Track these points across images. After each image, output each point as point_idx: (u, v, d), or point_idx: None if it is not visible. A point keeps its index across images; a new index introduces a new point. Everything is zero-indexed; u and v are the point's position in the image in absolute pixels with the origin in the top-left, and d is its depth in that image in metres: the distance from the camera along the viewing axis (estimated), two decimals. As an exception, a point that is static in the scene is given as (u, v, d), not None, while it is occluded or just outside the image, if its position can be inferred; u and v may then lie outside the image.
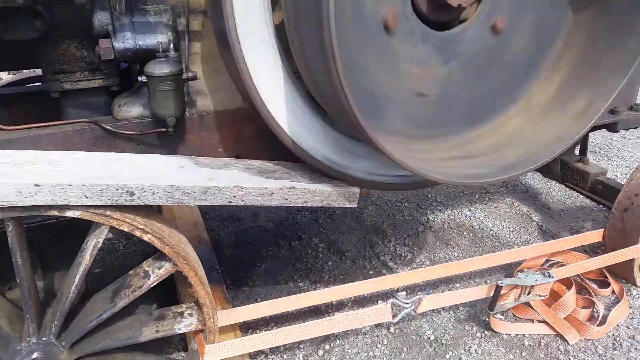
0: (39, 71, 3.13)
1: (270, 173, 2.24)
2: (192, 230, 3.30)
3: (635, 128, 3.50)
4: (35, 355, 1.95)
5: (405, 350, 2.70)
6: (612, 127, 3.29)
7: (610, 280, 3.08)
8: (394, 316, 2.53)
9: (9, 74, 4.25)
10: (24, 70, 3.68)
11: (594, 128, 2.63)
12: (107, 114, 2.31)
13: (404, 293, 2.54)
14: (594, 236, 3.14)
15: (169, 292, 2.72)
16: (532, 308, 2.86)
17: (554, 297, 2.88)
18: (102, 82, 2.32)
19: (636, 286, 3.10)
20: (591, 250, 3.40)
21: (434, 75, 2.25)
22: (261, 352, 2.63)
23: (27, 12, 2.05)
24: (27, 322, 1.93)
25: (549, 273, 2.63)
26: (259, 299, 3.05)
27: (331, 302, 2.93)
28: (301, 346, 2.69)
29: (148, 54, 2.15)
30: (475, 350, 2.68)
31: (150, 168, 2.03)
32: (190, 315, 2.20)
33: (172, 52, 2.13)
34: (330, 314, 2.92)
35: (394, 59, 2.13)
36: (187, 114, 2.29)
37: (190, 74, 2.17)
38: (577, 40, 2.42)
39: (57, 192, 1.68)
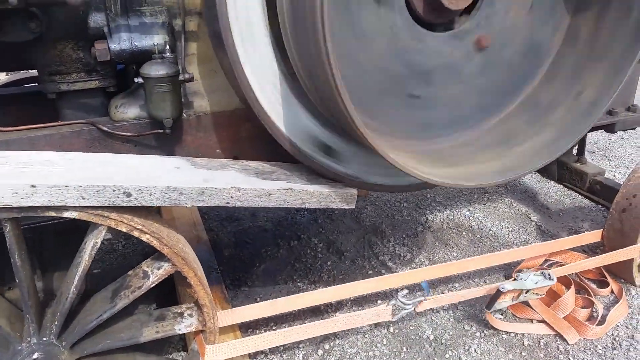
0: (33, 72, 3.14)
1: (267, 174, 2.23)
2: (191, 230, 3.30)
3: (633, 129, 3.50)
4: (36, 355, 1.95)
5: (404, 349, 2.70)
6: (610, 128, 3.29)
7: (609, 280, 3.08)
8: (393, 316, 2.53)
9: (7, 74, 4.24)
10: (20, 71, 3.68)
11: (593, 129, 2.63)
12: (104, 115, 2.31)
13: (404, 292, 2.54)
14: (593, 236, 3.14)
15: (169, 293, 2.72)
16: (532, 308, 2.86)
17: (553, 297, 2.88)
18: (98, 83, 2.31)
19: (635, 286, 3.09)
20: (590, 250, 3.40)
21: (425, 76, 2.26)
22: (261, 351, 2.63)
23: (21, 14, 2.04)
24: (27, 322, 1.93)
25: (549, 275, 2.62)
26: (258, 299, 3.05)
27: (330, 301, 2.93)
28: (301, 346, 2.69)
29: (144, 55, 2.14)
30: (475, 350, 2.67)
31: (147, 169, 2.03)
32: (190, 315, 2.20)
33: (168, 54, 2.12)
34: (329, 313, 2.92)
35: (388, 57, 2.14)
36: (184, 115, 2.29)
37: (186, 76, 2.17)
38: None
39: (54, 193, 1.67)
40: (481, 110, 2.45)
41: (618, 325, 2.82)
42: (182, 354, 2.62)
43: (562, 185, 4.31)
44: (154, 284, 2.02)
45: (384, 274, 3.25)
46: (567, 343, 2.71)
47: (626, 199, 2.97)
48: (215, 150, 2.40)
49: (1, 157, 1.87)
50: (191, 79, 2.18)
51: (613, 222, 3.03)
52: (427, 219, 3.93)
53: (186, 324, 2.18)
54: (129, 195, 1.78)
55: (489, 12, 2.24)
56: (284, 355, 2.65)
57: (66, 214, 1.76)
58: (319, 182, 2.24)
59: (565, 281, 2.94)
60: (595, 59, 2.35)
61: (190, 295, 2.55)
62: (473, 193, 4.32)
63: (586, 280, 3.09)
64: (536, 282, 2.60)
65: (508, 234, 3.73)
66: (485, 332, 2.78)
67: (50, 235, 2.33)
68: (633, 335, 2.75)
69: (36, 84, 3.02)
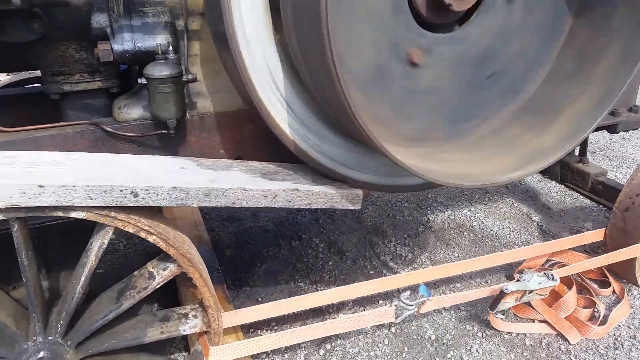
0: (35, 72, 3.14)
1: (273, 175, 2.24)
2: (193, 230, 3.30)
3: (635, 129, 3.50)
4: (41, 354, 1.96)
5: (406, 349, 2.70)
6: (612, 129, 3.29)
7: (611, 280, 3.08)
8: (396, 317, 2.53)
9: (7, 75, 4.24)
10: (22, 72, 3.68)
11: (595, 129, 2.62)
12: (107, 115, 2.31)
13: (407, 293, 2.54)
14: (595, 235, 3.14)
15: (171, 294, 2.73)
16: (533, 308, 2.86)
17: (555, 297, 2.88)
18: (101, 83, 2.32)
19: (637, 286, 3.09)
20: (591, 250, 3.40)
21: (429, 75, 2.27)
22: (263, 351, 2.64)
23: (24, 14, 2.04)
24: (33, 321, 1.93)
25: (552, 275, 2.62)
26: (259, 299, 3.05)
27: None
28: (302, 345, 2.69)
29: (147, 56, 2.15)
30: (477, 350, 2.68)
31: (153, 170, 2.03)
32: (195, 317, 2.21)
33: (171, 54, 2.13)
34: (331, 313, 2.92)
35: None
36: (187, 115, 2.29)
37: (190, 76, 2.17)
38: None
39: (62, 193, 1.68)
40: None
41: (620, 326, 2.83)
42: (184, 354, 2.63)
43: (563, 186, 4.31)
44: (159, 285, 2.02)
45: (385, 274, 3.25)
46: (569, 343, 2.71)
47: (629, 198, 2.98)
48: (218, 150, 2.41)
49: (9, 157, 1.88)
50: (194, 80, 2.19)
51: (616, 221, 3.03)
52: (429, 219, 3.93)
53: (191, 325, 2.19)
54: (136, 195, 1.79)
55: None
56: (286, 355, 2.66)
57: (73, 214, 1.76)
58: (324, 183, 2.24)
59: (567, 281, 2.94)
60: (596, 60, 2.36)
61: (192, 295, 2.56)
62: (474, 193, 4.32)
63: (588, 281, 3.09)
64: (539, 283, 2.60)
65: (509, 234, 3.73)
66: (487, 332, 2.79)
67: (54, 235, 2.33)
68: (635, 336, 2.76)
69: (38, 85, 3.03)
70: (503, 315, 2.88)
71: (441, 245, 3.60)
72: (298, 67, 2.06)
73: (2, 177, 1.65)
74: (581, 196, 4.15)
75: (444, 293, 3.08)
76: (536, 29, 2.38)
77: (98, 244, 1.88)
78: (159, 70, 2.06)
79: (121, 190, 1.76)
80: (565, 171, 4.18)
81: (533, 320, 2.85)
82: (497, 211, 4.04)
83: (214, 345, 2.23)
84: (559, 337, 2.75)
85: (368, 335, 2.78)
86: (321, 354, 2.66)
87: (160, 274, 2.02)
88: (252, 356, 2.50)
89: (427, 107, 2.33)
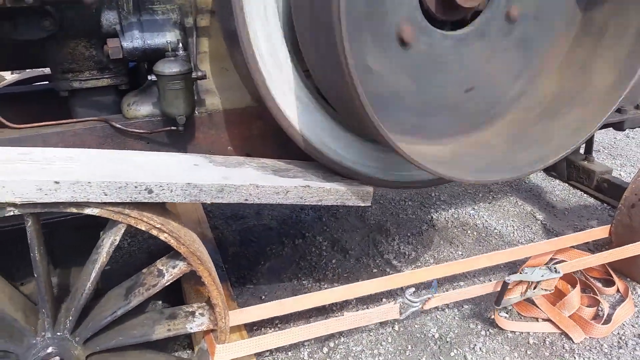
0: (41, 70, 3.15)
1: (284, 171, 2.24)
2: (196, 228, 3.30)
3: (641, 127, 3.51)
4: (50, 349, 1.96)
5: (410, 348, 2.71)
6: (618, 126, 3.30)
7: (615, 278, 3.09)
8: (401, 314, 2.54)
9: (12, 73, 4.25)
10: (27, 70, 3.69)
11: (601, 127, 2.63)
12: (116, 112, 2.32)
13: (411, 290, 2.55)
14: (601, 232, 3.14)
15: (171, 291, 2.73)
16: (537, 306, 2.87)
17: (558, 295, 2.88)
18: (110, 81, 2.32)
19: (641, 285, 3.11)
20: (595, 249, 3.41)
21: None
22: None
23: (36, 12, 2.05)
24: (42, 316, 1.93)
25: (555, 268, 2.63)
26: (263, 297, 3.06)
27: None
28: (306, 344, 2.70)
29: (156, 53, 2.15)
30: (480, 348, 2.68)
31: (166, 166, 2.04)
32: (202, 315, 2.21)
33: (180, 51, 2.13)
34: (334, 311, 2.93)
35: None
36: (196, 112, 2.30)
37: (199, 73, 2.17)
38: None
39: (77, 189, 1.69)
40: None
41: (624, 324, 2.84)
42: (188, 352, 2.63)
43: (567, 184, 4.32)
44: (168, 283, 2.03)
45: (388, 273, 3.26)
46: (573, 342, 2.72)
47: (635, 195, 2.98)
48: (226, 147, 2.41)
49: (24, 154, 1.88)
50: (204, 77, 2.19)
51: (622, 218, 3.04)
52: (432, 217, 3.94)
53: (197, 323, 2.19)
54: (150, 191, 1.79)
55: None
56: (289, 353, 2.67)
57: (87, 211, 1.77)
58: (334, 180, 2.25)
59: (570, 280, 2.95)
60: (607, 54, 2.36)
61: (196, 293, 2.57)
62: (478, 192, 4.33)
63: (592, 279, 3.10)
64: (542, 275, 2.61)
65: (513, 232, 3.74)
66: (490, 330, 2.80)
67: (63, 232, 2.34)
68: (639, 334, 2.77)
69: (44, 83, 3.04)
70: (507, 313, 2.89)
71: (445, 243, 3.61)
72: (308, 64, 2.06)
73: (18, 173, 1.66)
74: (585, 195, 4.16)
75: (447, 291, 3.09)
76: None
77: (110, 241, 1.88)
78: (168, 67, 2.06)
79: (136, 187, 1.77)
80: (571, 169, 4.18)
81: (537, 319, 2.86)
82: (501, 209, 4.05)
83: (220, 343, 2.24)
84: (562, 336, 2.76)
85: (371, 334, 2.79)
86: (324, 352, 2.67)
87: (169, 272, 2.03)
88: (256, 354, 2.51)
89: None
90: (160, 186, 1.81)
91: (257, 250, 3.51)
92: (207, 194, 1.91)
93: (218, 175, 2.03)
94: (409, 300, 2.52)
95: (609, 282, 3.12)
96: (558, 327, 2.79)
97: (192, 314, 2.21)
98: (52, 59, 2.24)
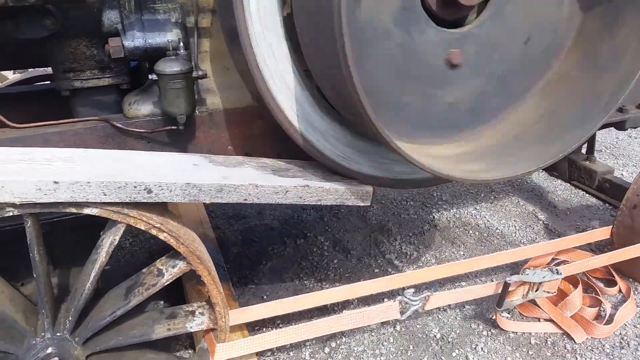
0: (43, 69, 3.15)
1: (283, 171, 2.24)
2: (198, 228, 3.30)
3: (643, 126, 3.49)
4: (49, 350, 1.95)
5: (411, 348, 2.70)
6: (620, 126, 3.28)
7: (617, 279, 3.08)
8: (401, 314, 2.54)
9: (14, 73, 4.26)
10: (29, 69, 3.70)
11: (602, 126, 2.62)
12: (117, 112, 2.32)
13: (411, 290, 2.54)
14: (602, 233, 3.13)
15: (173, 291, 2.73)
16: (539, 307, 2.86)
17: (560, 295, 2.88)
18: (111, 80, 2.33)
19: (643, 285, 3.10)
20: (597, 249, 3.40)
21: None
22: (268, 349, 2.64)
23: (37, 11, 2.05)
24: (42, 317, 1.93)
25: (557, 270, 2.63)
26: (265, 297, 3.06)
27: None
28: (307, 344, 2.70)
29: (158, 52, 2.16)
30: (482, 349, 2.68)
31: (166, 166, 2.04)
32: (202, 314, 2.21)
33: (181, 51, 2.13)
34: (336, 311, 2.92)
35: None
36: (197, 112, 2.30)
37: (200, 72, 2.18)
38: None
39: (76, 189, 1.69)
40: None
41: (626, 325, 2.83)
42: (190, 352, 2.63)
43: (569, 184, 4.31)
44: (168, 282, 2.03)
45: (390, 273, 3.25)
46: (575, 342, 2.71)
47: (637, 196, 2.97)
48: (227, 147, 2.41)
49: (24, 154, 1.89)
50: (205, 76, 2.19)
51: (623, 219, 3.03)
52: (434, 217, 3.93)
53: (197, 322, 2.19)
54: (149, 191, 1.79)
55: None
56: (291, 353, 2.66)
57: (87, 211, 1.77)
58: (334, 179, 2.24)
59: (572, 280, 2.95)
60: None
61: (197, 293, 2.57)
62: (480, 191, 4.32)
63: (594, 279, 3.09)
64: (544, 277, 2.60)
65: (515, 232, 3.73)
66: (492, 330, 2.79)
67: (62, 232, 2.34)
68: (641, 335, 2.77)
69: (46, 82, 3.05)
70: (508, 314, 2.88)
71: (446, 243, 3.60)
72: (308, 63, 2.06)
73: (18, 173, 1.66)
74: (587, 195, 4.15)
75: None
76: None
77: (109, 241, 1.88)
78: (169, 67, 2.07)
79: (135, 187, 1.77)
80: (573, 169, 4.17)
81: (539, 319, 2.85)
82: (502, 209, 4.04)
83: (220, 342, 2.24)
84: (564, 336, 2.76)
85: (373, 334, 2.78)
86: (326, 352, 2.66)
87: (169, 271, 2.03)
88: (257, 354, 2.50)
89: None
90: (160, 186, 1.81)
91: (259, 250, 3.51)
92: (206, 193, 1.91)
93: (217, 175, 2.03)
94: (409, 299, 2.52)
95: (611, 282, 3.11)
96: (560, 328, 2.78)
97: (192, 313, 2.21)
98: (54, 58, 2.25)
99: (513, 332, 2.77)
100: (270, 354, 2.64)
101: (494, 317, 2.80)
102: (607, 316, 2.85)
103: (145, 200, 1.80)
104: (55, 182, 1.65)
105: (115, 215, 1.82)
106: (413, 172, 2.44)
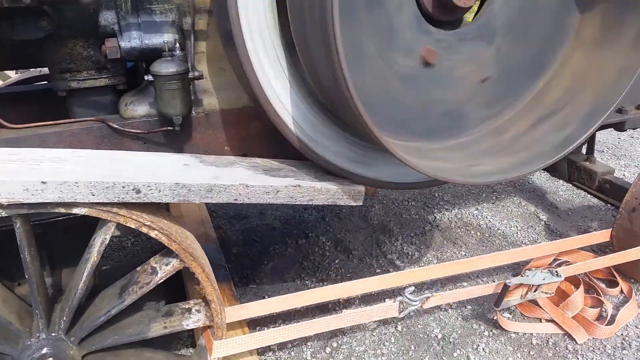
0: (42, 70, 3.16)
1: (275, 171, 2.24)
2: (199, 228, 3.30)
3: (643, 127, 3.47)
4: (45, 350, 1.96)
5: (412, 348, 2.70)
6: (619, 127, 3.26)
7: (619, 279, 3.06)
8: (400, 312, 2.53)
9: (16, 72, 4.28)
10: (30, 69, 3.71)
11: (602, 127, 2.61)
12: (114, 112, 2.32)
13: (411, 288, 2.53)
14: (602, 236, 3.12)
15: (179, 290, 2.74)
16: (540, 307, 2.85)
17: (562, 296, 2.87)
18: (108, 80, 2.32)
19: (645, 285, 3.08)
20: (599, 249, 3.39)
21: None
22: (269, 349, 2.65)
23: (33, 12, 2.06)
24: (36, 317, 1.94)
25: (556, 272, 2.62)
26: (266, 297, 3.06)
27: (338, 299, 2.94)
28: (308, 343, 2.70)
29: (154, 53, 2.15)
30: (483, 349, 2.67)
31: (156, 166, 2.04)
32: (198, 311, 2.21)
33: (178, 51, 2.13)
34: (337, 311, 2.92)
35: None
36: (193, 112, 2.30)
37: (196, 73, 2.17)
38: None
39: (64, 189, 1.69)
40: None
41: (628, 325, 2.82)
42: (191, 350, 2.64)
43: (571, 184, 4.29)
44: (162, 280, 2.03)
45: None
46: (576, 342, 2.70)
47: (636, 199, 2.95)
48: (223, 147, 2.41)
49: (13, 154, 1.89)
50: (201, 77, 2.19)
51: (622, 222, 3.01)
52: (435, 217, 3.92)
53: (194, 320, 2.19)
54: (138, 191, 1.79)
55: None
56: (292, 352, 2.66)
57: (76, 210, 1.77)
58: (326, 179, 2.24)
59: (574, 281, 2.93)
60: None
61: (197, 291, 2.57)
62: (481, 192, 4.31)
63: (595, 280, 3.08)
64: (544, 279, 2.59)
65: (516, 233, 3.72)
66: (493, 331, 2.78)
67: (59, 232, 2.35)
68: (643, 335, 2.75)
69: (43, 83, 3.05)
70: (510, 314, 2.87)
71: (448, 244, 3.59)
72: (304, 65, 2.06)
73: (5, 174, 1.66)
74: (589, 195, 4.13)
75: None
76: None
77: (100, 240, 1.88)
78: (165, 67, 2.06)
79: (123, 187, 1.77)
80: (573, 170, 4.15)
81: (540, 320, 2.85)
82: (504, 210, 4.02)
83: (217, 339, 2.24)
84: (566, 337, 2.75)
85: (374, 334, 2.78)
86: (327, 352, 2.66)
87: (162, 269, 2.03)
88: (258, 353, 2.50)
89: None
90: (148, 186, 1.81)
91: (260, 250, 3.51)
92: (195, 194, 1.90)
93: (208, 175, 2.02)
94: (409, 298, 2.51)
95: (613, 283, 3.10)
96: (561, 328, 2.77)
97: (189, 310, 2.21)
98: (50, 59, 2.25)
99: (514, 333, 2.76)
100: (271, 353, 2.64)
101: (495, 318, 2.79)
102: (608, 317, 2.83)
103: (134, 201, 1.80)
104: (44, 182, 1.65)
105: (105, 214, 1.82)
106: (408, 174, 2.44)
